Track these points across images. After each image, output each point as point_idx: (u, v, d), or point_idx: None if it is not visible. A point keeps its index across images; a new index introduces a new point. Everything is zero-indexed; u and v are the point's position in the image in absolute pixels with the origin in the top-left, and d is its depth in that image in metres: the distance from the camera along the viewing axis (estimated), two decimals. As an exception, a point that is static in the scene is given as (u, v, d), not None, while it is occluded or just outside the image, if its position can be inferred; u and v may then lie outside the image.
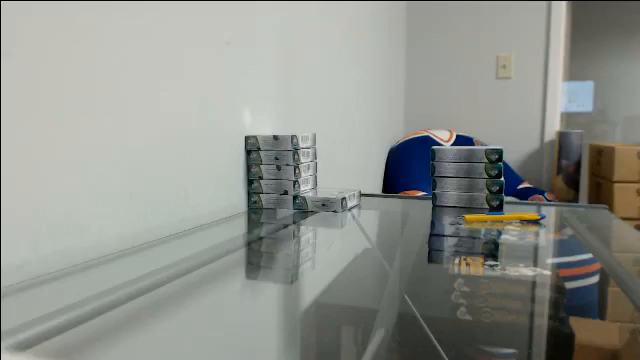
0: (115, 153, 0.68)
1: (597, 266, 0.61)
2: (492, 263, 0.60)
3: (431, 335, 0.39)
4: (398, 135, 2.55)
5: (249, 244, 0.71)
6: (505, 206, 1.03)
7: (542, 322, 0.42)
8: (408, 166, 2.19)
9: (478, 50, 2.52)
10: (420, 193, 2.04)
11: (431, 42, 2.60)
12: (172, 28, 0.78)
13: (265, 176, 0.99)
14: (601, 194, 2.28)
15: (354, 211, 0.98)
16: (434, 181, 1.01)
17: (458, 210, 0.97)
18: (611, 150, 2.14)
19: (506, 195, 2.24)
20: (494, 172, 0.97)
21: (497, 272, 0.56)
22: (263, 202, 1.00)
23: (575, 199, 2.33)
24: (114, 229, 0.68)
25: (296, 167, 0.97)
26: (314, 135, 1.07)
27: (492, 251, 0.66)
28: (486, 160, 0.97)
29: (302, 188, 1.00)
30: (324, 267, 0.59)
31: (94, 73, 0.64)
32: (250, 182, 1.01)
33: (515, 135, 2.51)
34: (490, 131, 2.54)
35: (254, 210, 0.99)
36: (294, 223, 0.86)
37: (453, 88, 2.58)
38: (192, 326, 0.42)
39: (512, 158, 2.53)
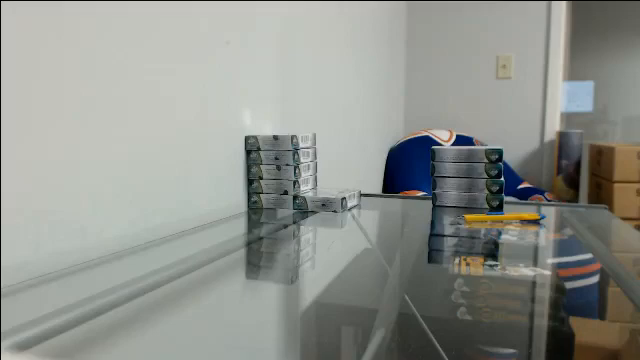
0: (115, 153, 0.68)
1: (597, 266, 0.61)
2: (492, 263, 0.60)
3: (431, 335, 0.39)
4: (398, 135, 2.55)
5: (249, 244, 0.71)
6: (505, 206, 1.03)
7: (542, 322, 0.42)
8: (408, 166, 2.19)
9: (478, 50, 2.52)
10: (420, 193, 2.04)
11: (431, 42, 2.60)
12: (172, 28, 0.78)
13: (265, 176, 0.99)
14: (601, 194, 2.28)
15: (354, 211, 0.98)
16: (434, 181, 1.01)
17: (458, 210, 0.97)
18: (611, 150, 2.14)
19: (506, 195, 2.24)
20: (494, 172, 0.97)
21: (497, 272, 0.56)
22: (263, 202, 1.00)
23: (575, 199, 2.33)
24: (114, 229, 0.68)
25: (296, 167, 0.97)
26: (314, 135, 1.07)
27: (492, 251, 0.66)
28: (486, 160, 0.97)
29: (302, 188, 1.00)
30: (324, 267, 0.59)
31: (94, 73, 0.64)
32: (250, 182, 1.01)
33: (515, 135, 2.51)
34: (490, 131, 2.54)
35: (254, 210, 0.99)
36: (294, 223, 0.86)
37: (453, 88, 2.58)
38: (192, 326, 0.42)
39: (512, 158, 2.53)
